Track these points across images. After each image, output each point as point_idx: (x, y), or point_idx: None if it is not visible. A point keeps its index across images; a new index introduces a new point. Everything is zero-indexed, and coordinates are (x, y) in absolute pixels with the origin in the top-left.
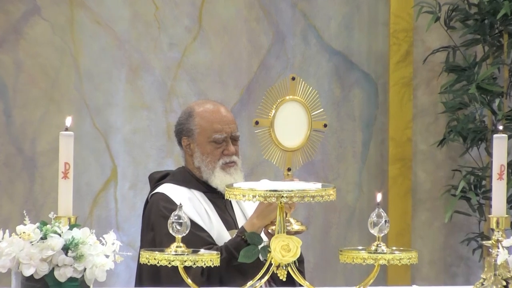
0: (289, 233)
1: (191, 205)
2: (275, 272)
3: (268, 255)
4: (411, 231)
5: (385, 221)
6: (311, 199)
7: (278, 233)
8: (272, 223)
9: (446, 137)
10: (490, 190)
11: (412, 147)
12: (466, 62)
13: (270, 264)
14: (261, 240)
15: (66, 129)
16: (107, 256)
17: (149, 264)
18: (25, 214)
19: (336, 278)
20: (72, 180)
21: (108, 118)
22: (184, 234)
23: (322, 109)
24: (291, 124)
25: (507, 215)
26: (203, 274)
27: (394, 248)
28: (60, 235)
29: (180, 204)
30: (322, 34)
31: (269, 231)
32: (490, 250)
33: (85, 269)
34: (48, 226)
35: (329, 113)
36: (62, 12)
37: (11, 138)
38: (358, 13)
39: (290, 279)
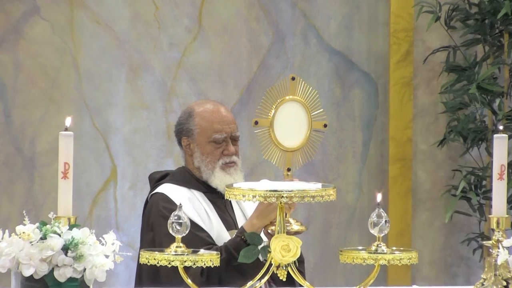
0: (288, 233)
1: (191, 205)
2: (275, 272)
3: (268, 255)
4: (411, 231)
5: (385, 221)
6: (311, 199)
7: (278, 233)
8: (272, 223)
9: (447, 137)
10: (490, 190)
11: (412, 147)
12: (466, 62)
13: (270, 264)
14: (261, 240)
15: (66, 129)
16: (106, 256)
17: (148, 264)
18: (24, 214)
19: (336, 278)
20: (72, 180)
21: (108, 118)
22: (184, 234)
23: (322, 109)
24: (291, 124)
25: (507, 215)
26: (203, 274)
27: (394, 248)
28: (59, 235)
29: (180, 204)
30: (322, 34)
31: (269, 231)
32: (490, 250)
33: (84, 269)
34: (48, 226)
35: (329, 113)
36: (62, 12)
37: (10, 138)
38: (358, 13)
39: (290, 279)
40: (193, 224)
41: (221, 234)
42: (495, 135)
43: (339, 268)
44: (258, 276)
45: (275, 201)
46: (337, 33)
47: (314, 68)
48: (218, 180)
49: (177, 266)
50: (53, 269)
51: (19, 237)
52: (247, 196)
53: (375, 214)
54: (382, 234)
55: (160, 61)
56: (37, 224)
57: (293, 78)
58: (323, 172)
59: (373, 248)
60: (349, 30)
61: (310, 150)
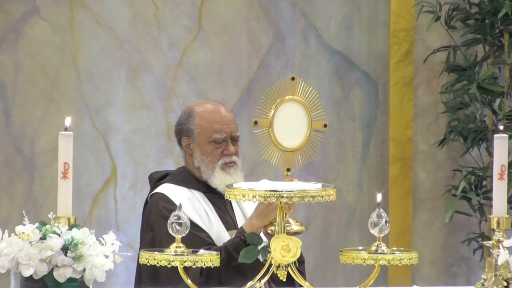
0: (288, 233)
1: (191, 205)
2: (275, 272)
3: (268, 256)
4: (411, 231)
5: (386, 221)
6: (311, 199)
7: (278, 234)
8: (271, 223)
9: (447, 137)
10: (490, 190)
11: (412, 147)
12: (466, 62)
13: (270, 265)
14: (261, 241)
15: (66, 129)
16: (106, 257)
17: (148, 264)
18: (24, 214)
19: (336, 279)
20: (72, 180)
21: (108, 118)
22: (184, 235)
23: (322, 110)
24: (290, 124)
25: (507, 215)
26: (202, 274)
27: (394, 248)
28: (59, 235)
29: (180, 204)
30: (322, 33)
31: (268, 231)
32: (490, 250)
33: (84, 270)
34: (48, 226)
35: (329, 113)
36: (61, 12)
37: (10, 138)
38: (358, 13)
39: (289, 280)
40: (193, 224)
41: (220, 234)
42: (495, 135)
43: (339, 268)
44: (258, 276)
45: (275, 201)
46: (337, 33)
47: (314, 68)
48: (218, 180)
49: (176, 267)
50: (52, 269)
51: (19, 237)
52: (247, 196)
53: (375, 214)
54: (382, 234)
55: (160, 61)
56: (37, 224)
57: (292, 78)
58: (323, 172)
59: (373, 248)
60: (349, 30)
61: (310, 150)
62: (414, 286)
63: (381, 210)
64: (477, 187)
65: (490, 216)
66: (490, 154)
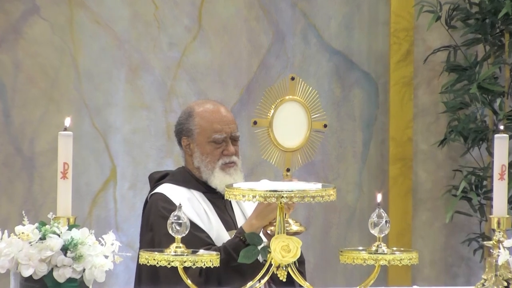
0: (288, 234)
1: (190, 205)
2: (275, 272)
3: (268, 256)
4: (411, 231)
5: (386, 221)
6: (311, 199)
7: (278, 234)
8: (271, 223)
9: (447, 137)
10: (491, 190)
11: (412, 147)
12: (467, 62)
13: (270, 265)
14: (261, 241)
15: (65, 129)
16: (106, 257)
17: (148, 264)
18: (24, 214)
19: (336, 279)
20: (71, 180)
21: (108, 118)
22: (184, 235)
23: (322, 110)
24: (290, 124)
25: (508, 216)
26: (201, 275)
27: (394, 248)
28: (59, 236)
29: (180, 204)
30: (322, 33)
31: (268, 231)
32: (491, 250)
33: (84, 270)
34: (47, 226)
35: (329, 113)
36: (61, 12)
37: (10, 138)
38: (359, 13)
39: (289, 280)
40: (192, 224)
41: (220, 235)
42: (496, 135)
43: (339, 269)
44: (258, 277)
45: (275, 201)
46: (337, 33)
47: (314, 68)
48: (217, 180)
49: (176, 267)
50: (52, 269)
51: (18, 238)
52: (247, 196)
53: (375, 214)
54: (383, 235)
55: (160, 61)
56: (36, 224)
57: (292, 78)
58: (323, 172)
59: (374, 248)
60: (349, 30)
61: (310, 150)
62: (414, 287)
63: (381, 210)
64: (477, 187)
65: (491, 216)
66: (491, 154)
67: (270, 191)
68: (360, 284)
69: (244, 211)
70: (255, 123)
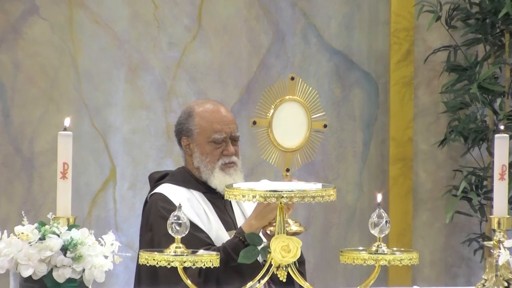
0: (287, 234)
1: (190, 205)
2: (275, 273)
3: (268, 256)
4: (412, 232)
5: (386, 221)
6: (311, 200)
7: (278, 234)
8: (270, 224)
9: (447, 137)
10: (491, 191)
11: (413, 147)
12: (467, 62)
13: (270, 265)
14: (260, 241)
15: (65, 129)
16: (106, 257)
17: (148, 265)
18: (23, 214)
19: (336, 279)
20: (71, 180)
21: (107, 118)
22: (184, 235)
23: (322, 110)
24: (290, 124)
25: (508, 216)
26: (201, 275)
27: (395, 248)
28: (58, 236)
29: (180, 204)
30: (322, 33)
31: (267, 232)
32: (491, 250)
33: (83, 270)
34: (47, 226)
35: (329, 113)
36: (61, 12)
37: (9, 138)
38: (359, 12)
39: (289, 280)
40: (192, 224)
41: (220, 235)
42: (496, 135)
43: (339, 269)
44: (258, 277)
45: (275, 202)
46: (337, 33)
47: (314, 68)
48: (217, 180)
49: (175, 267)
50: (52, 269)
51: (18, 238)
52: (247, 197)
53: (375, 215)
54: (383, 235)
55: (160, 60)
56: (36, 224)
57: (292, 78)
58: (323, 172)
59: (374, 248)
60: (349, 30)
61: (310, 150)
62: (414, 287)
63: (382, 210)
64: (477, 187)
65: (491, 216)
66: (491, 154)
67: (270, 191)
68: (360, 284)
69: (244, 211)
70: (254, 123)
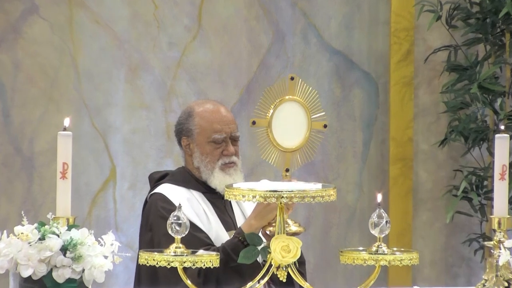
0: (287, 234)
1: (190, 205)
2: (275, 273)
3: (268, 256)
4: (412, 232)
5: (386, 221)
6: (312, 200)
7: (277, 234)
8: (270, 224)
9: (448, 137)
10: (492, 191)
11: (413, 147)
12: (467, 62)
13: (270, 265)
14: (260, 241)
15: (65, 129)
16: (105, 257)
17: (147, 265)
18: (23, 214)
19: (336, 279)
20: (71, 180)
21: (107, 118)
22: (183, 235)
23: (322, 110)
24: (290, 124)
25: (509, 216)
26: (200, 275)
27: (395, 248)
28: (58, 236)
29: (180, 204)
30: (322, 33)
31: (267, 232)
32: (491, 251)
33: (83, 270)
34: (46, 226)
35: (329, 113)
36: (61, 12)
37: (9, 137)
38: (359, 12)
39: (289, 280)
40: (192, 224)
41: (219, 235)
42: (496, 135)
43: (339, 269)
44: (258, 277)
45: (274, 202)
46: (337, 33)
47: (314, 68)
48: (217, 180)
49: (175, 267)
50: (51, 270)
51: (18, 238)
52: (247, 197)
53: (375, 215)
54: (383, 235)
55: (160, 60)
56: (36, 224)
57: (292, 78)
58: (323, 172)
59: (374, 248)
60: (349, 30)
61: (309, 150)
62: (414, 287)
63: (382, 210)
64: (478, 187)
65: (491, 216)
66: (491, 154)
67: (270, 191)
68: (360, 284)
69: (244, 211)
70: (253, 123)
